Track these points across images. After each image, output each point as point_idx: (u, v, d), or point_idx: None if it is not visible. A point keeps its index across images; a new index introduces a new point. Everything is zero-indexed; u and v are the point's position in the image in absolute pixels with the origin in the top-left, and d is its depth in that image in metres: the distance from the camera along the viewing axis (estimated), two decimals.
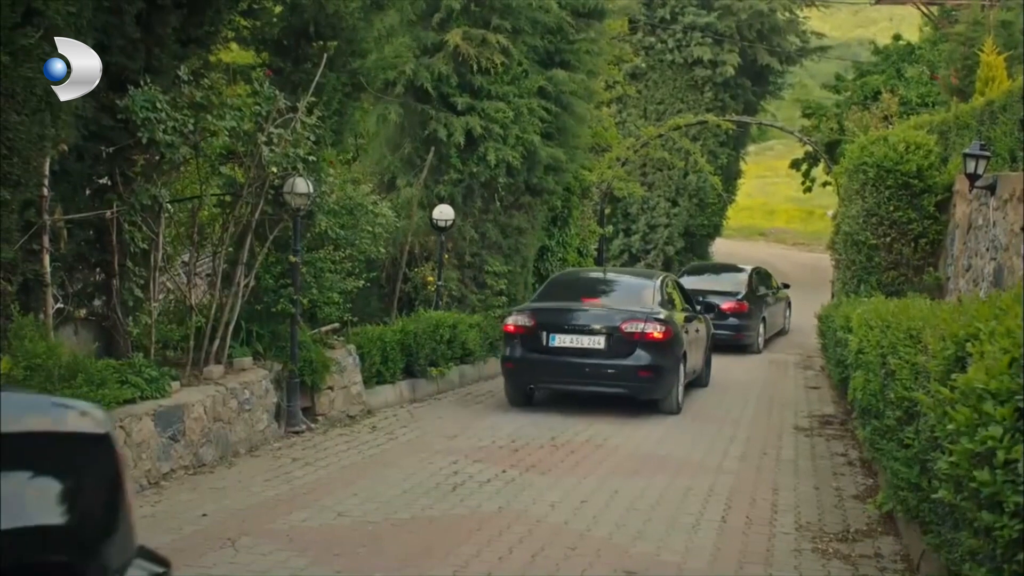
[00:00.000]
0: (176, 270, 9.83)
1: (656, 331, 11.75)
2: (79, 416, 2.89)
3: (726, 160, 32.47)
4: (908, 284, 13.82)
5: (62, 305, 8.23)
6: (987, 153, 11.35)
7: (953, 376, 3.75)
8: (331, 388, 10.62)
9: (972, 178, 11.30)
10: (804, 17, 34.20)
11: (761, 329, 20.37)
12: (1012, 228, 10.17)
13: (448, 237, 14.47)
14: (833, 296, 17.94)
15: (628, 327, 11.71)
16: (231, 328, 9.44)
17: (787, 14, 33.10)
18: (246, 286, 9.62)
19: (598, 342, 11.75)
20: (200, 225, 9.62)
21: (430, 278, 14.46)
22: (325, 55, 10.21)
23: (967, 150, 11.51)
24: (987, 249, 11.16)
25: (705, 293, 18.79)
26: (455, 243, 15.09)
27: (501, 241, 15.74)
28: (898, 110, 25.15)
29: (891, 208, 14.13)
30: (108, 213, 8.27)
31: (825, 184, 31.98)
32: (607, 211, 25.50)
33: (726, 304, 19.64)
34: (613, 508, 7.46)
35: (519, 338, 12.00)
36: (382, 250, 12.17)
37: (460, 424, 10.85)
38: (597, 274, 15.54)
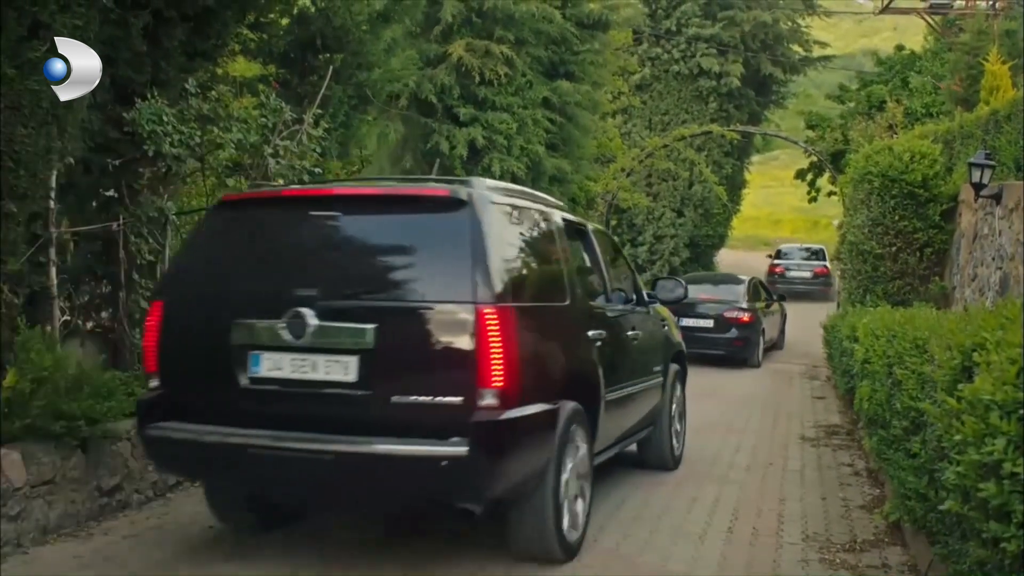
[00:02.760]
0: None
1: (744, 316, 18.04)
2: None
3: (731, 170, 32.56)
4: (914, 294, 13.80)
5: (68, 317, 8.25)
6: (992, 162, 11.35)
7: (960, 386, 3.75)
8: None
9: (977, 187, 11.29)
10: (806, 27, 34.28)
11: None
12: (1018, 237, 10.16)
13: None
14: (839, 306, 17.95)
15: (727, 313, 17.91)
16: None
17: (790, 23, 33.18)
18: None
19: (708, 323, 17.72)
20: None
21: None
22: (331, 68, 10.25)
23: (972, 159, 11.50)
24: (993, 258, 11.15)
25: (801, 264, 33.35)
26: None
27: None
28: (903, 120, 25.18)
29: (896, 218, 14.12)
30: (114, 225, 8.29)
31: (830, 194, 32.11)
32: (612, 222, 25.53)
33: (818, 268, 32.79)
34: (618, 518, 7.44)
35: None
36: None
37: None
38: (707, 279, 21.60)
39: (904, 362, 5.87)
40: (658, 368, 8.64)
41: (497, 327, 5.30)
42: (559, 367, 6.20)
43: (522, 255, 6.14)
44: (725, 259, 36.76)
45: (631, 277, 8.71)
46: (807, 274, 32.87)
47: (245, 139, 9.01)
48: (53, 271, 7.63)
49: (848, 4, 56.13)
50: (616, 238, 28.88)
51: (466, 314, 5.30)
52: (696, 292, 17.88)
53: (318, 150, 9.70)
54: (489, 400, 5.27)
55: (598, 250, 7.73)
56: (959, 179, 13.46)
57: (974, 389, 3.45)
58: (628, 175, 23.91)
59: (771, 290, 21.81)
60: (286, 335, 5.46)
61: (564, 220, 7.12)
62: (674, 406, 9.22)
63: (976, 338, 4.03)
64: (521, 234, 6.21)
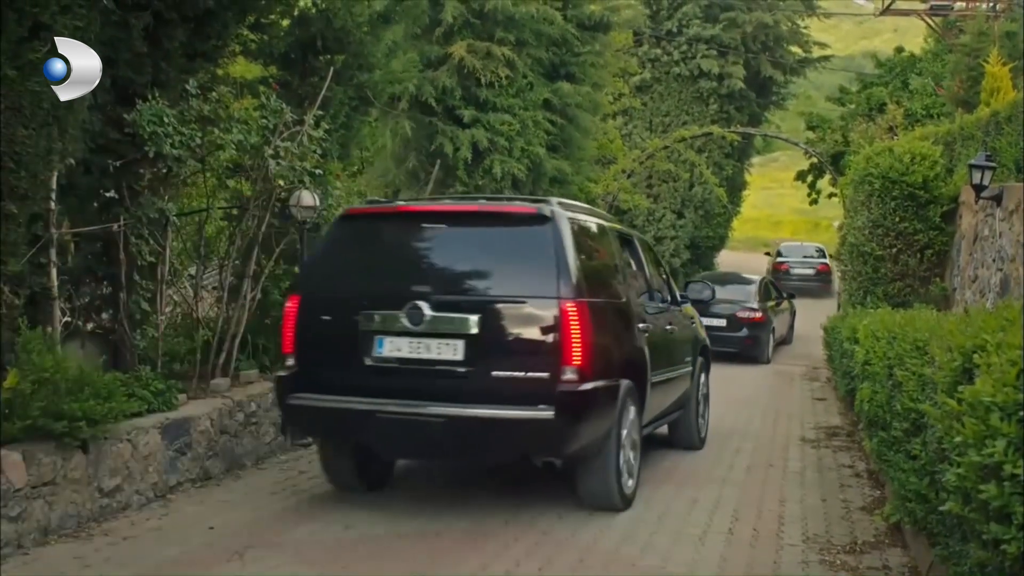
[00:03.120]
0: (183, 283, 9.84)
1: (755, 316, 19.23)
2: None
3: (731, 171, 32.53)
4: (914, 295, 13.80)
5: (69, 319, 8.24)
6: (993, 164, 11.35)
7: (960, 388, 3.74)
8: None
9: (978, 189, 11.29)
10: (804, 27, 34.25)
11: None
12: (1018, 239, 10.16)
13: None
14: (839, 307, 17.96)
15: (740, 314, 18.98)
16: (238, 341, 9.45)
17: (791, 24, 33.14)
18: (253, 299, 9.62)
19: (722, 322, 18.40)
20: (207, 238, 9.64)
21: None
22: (332, 69, 10.23)
23: (973, 161, 11.50)
24: (993, 260, 11.15)
25: (804, 261, 34.91)
26: None
27: None
28: (903, 122, 25.18)
29: (897, 219, 14.12)
30: (115, 226, 8.28)
31: (831, 195, 32.09)
32: None
33: (820, 266, 34.75)
34: (620, 519, 7.44)
35: None
36: None
37: None
38: (720, 279, 21.53)
39: (904, 364, 5.87)
40: (688, 359, 9.91)
41: (576, 317, 6.70)
42: (619, 352, 7.61)
43: (590, 261, 7.51)
44: (725, 260, 36.74)
45: (666, 279, 10.01)
46: (810, 271, 34.60)
47: (246, 140, 9.01)
48: (54, 272, 7.63)
49: (848, 5, 56.13)
50: None
51: (552, 307, 6.76)
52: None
53: (319, 151, 9.70)
54: (570, 375, 6.70)
55: (642, 256, 9.21)
56: (960, 181, 13.46)
57: (974, 391, 3.44)
58: (629, 176, 23.93)
59: (780, 288, 23.15)
60: (406, 323, 6.89)
61: (617, 232, 8.69)
62: (700, 393, 10.41)
63: (977, 340, 4.03)
64: (589, 244, 7.64)
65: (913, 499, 5.76)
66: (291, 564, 6.23)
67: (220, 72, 9.90)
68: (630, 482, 7.75)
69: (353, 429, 7.21)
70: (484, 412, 6.70)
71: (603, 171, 22.03)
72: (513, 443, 6.94)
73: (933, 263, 14.17)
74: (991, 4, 30.41)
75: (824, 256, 34.70)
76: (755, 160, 43.80)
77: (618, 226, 9.02)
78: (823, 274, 34.11)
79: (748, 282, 21.03)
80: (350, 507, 7.61)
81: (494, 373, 6.79)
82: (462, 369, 6.82)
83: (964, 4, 32.08)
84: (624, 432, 7.49)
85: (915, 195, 13.99)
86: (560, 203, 7.46)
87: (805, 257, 35.61)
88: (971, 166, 11.44)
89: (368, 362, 7.00)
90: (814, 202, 37.96)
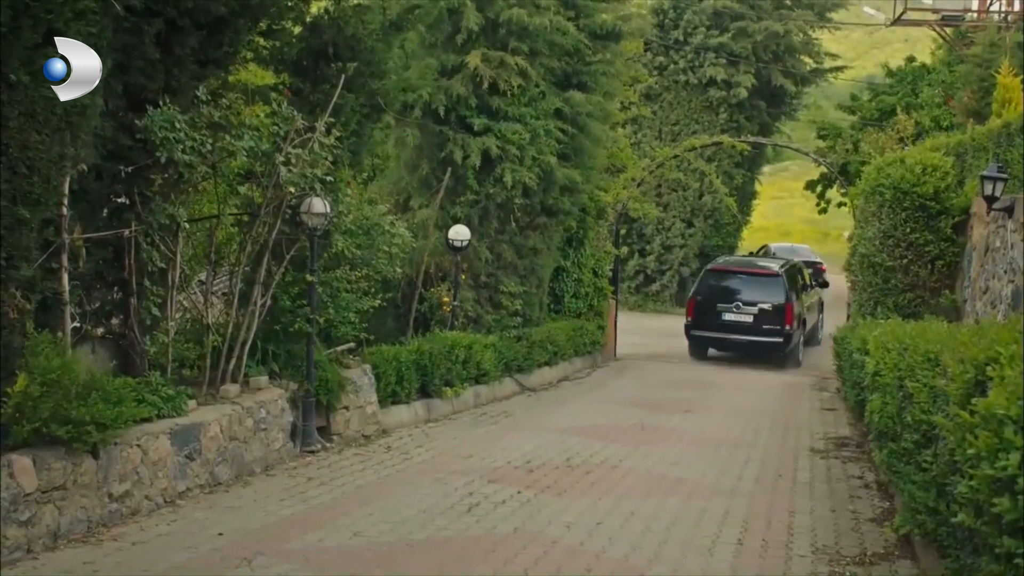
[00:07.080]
0: (193, 289, 9.84)
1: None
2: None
3: (741, 181, 32.44)
4: (925, 306, 13.77)
5: (79, 323, 8.26)
6: (1004, 175, 11.31)
7: (973, 400, 3.73)
8: (346, 408, 10.63)
9: (989, 200, 11.26)
10: (815, 38, 34.15)
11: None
12: None
13: (464, 257, 14.47)
14: (849, 318, 17.92)
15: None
16: (247, 347, 9.46)
17: (801, 35, 33.05)
18: (263, 305, 9.64)
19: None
20: (217, 244, 9.64)
21: (446, 298, 14.45)
22: (343, 76, 10.24)
23: (984, 172, 11.47)
24: (1005, 271, 11.12)
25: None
26: (471, 264, 15.08)
27: (517, 262, 15.73)
28: (914, 131, 25.12)
29: (908, 230, 14.09)
30: (126, 232, 8.30)
31: (840, 205, 31.93)
32: (622, 232, 25.51)
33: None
34: (628, 529, 7.44)
35: None
36: (398, 270, 12.16)
37: (475, 444, 10.85)
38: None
39: (916, 375, 5.86)
40: (817, 307, 24.53)
41: (791, 308, 20.50)
42: (799, 316, 21.15)
43: (792, 284, 21.34)
44: None
45: (804, 279, 22.96)
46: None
47: (257, 147, 9.03)
48: (65, 277, 7.64)
49: (859, 16, 56.06)
50: (625, 248, 29.14)
51: (782, 304, 20.57)
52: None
53: (330, 158, 9.71)
54: (787, 327, 20.56)
55: (802, 271, 23.10)
56: (971, 192, 13.43)
57: (988, 403, 3.43)
58: (638, 185, 23.88)
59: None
60: (734, 308, 20.77)
61: (793, 264, 23.40)
62: (821, 321, 24.72)
63: (990, 352, 4.02)
64: (793, 279, 21.72)
65: (923, 511, 5.74)
66: (300, 571, 6.23)
67: (231, 79, 9.91)
68: (801, 357, 20.95)
69: (716, 343, 21.42)
70: (759, 339, 20.35)
71: (613, 179, 22.00)
72: (769, 350, 20.42)
73: (944, 274, 14.13)
74: (1003, 15, 30.35)
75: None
76: (765, 169, 43.72)
77: (793, 261, 23.61)
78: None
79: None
80: (359, 515, 7.62)
81: (763, 325, 20.18)
82: (753, 324, 20.31)
83: (975, 15, 32.00)
84: (800, 341, 21.03)
85: (926, 206, 13.96)
86: (782, 264, 22.34)
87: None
88: (983, 177, 11.41)
89: (720, 321, 20.54)
90: (823, 211, 37.86)
